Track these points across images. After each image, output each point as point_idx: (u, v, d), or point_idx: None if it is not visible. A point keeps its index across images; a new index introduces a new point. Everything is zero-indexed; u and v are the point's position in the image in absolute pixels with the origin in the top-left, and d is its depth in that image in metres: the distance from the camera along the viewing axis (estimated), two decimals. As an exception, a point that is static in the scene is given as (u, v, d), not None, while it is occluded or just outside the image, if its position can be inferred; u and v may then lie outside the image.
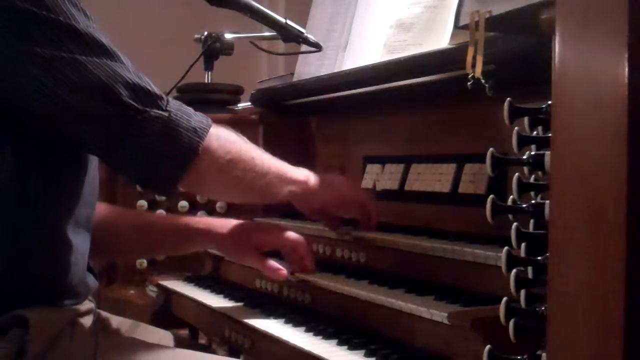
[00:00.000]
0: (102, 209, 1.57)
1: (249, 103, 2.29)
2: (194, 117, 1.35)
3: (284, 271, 1.59)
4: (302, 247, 1.61)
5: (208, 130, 1.35)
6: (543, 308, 0.92)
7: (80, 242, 1.43)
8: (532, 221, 1.01)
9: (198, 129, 1.34)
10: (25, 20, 1.24)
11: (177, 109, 1.33)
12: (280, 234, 1.64)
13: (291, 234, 1.62)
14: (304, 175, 1.55)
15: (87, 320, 1.45)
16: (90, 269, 1.49)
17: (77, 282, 1.42)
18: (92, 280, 1.49)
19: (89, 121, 1.28)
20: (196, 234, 1.68)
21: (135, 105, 1.28)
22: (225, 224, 1.68)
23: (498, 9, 1.15)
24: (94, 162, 1.44)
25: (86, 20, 1.29)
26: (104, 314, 1.63)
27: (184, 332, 2.11)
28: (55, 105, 1.26)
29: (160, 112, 1.30)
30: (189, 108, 1.37)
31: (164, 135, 1.31)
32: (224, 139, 1.39)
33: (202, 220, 1.74)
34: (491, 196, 1.03)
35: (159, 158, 1.32)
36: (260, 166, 1.46)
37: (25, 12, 1.24)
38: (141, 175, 1.36)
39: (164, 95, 1.33)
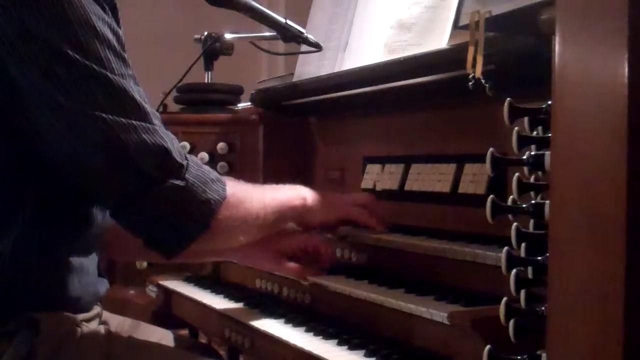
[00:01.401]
0: None
1: (249, 103, 2.29)
2: (210, 186, 1.30)
3: (312, 269, 1.59)
4: (324, 245, 1.61)
5: (222, 203, 1.31)
6: (543, 308, 0.92)
7: (93, 263, 1.44)
8: (532, 221, 1.01)
9: (212, 201, 1.29)
10: (57, 62, 1.18)
11: (195, 177, 1.28)
12: (303, 236, 1.63)
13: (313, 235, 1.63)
14: (300, 198, 1.54)
15: (94, 324, 1.46)
16: (100, 274, 1.50)
17: (88, 298, 1.43)
18: (102, 286, 1.50)
19: (102, 182, 1.25)
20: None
21: (154, 174, 1.24)
22: None
23: (498, 9, 1.15)
24: None
25: (123, 68, 1.23)
26: (106, 313, 1.63)
27: (184, 332, 2.11)
28: (72, 160, 1.23)
29: (177, 182, 1.25)
30: (206, 171, 1.31)
31: (177, 206, 1.26)
32: (234, 205, 1.34)
33: None
34: (491, 196, 1.03)
35: (168, 227, 1.29)
36: (263, 217, 1.43)
37: (59, 54, 1.17)
38: (146, 238, 1.32)
39: (185, 162, 1.28)
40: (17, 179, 1.29)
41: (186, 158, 1.29)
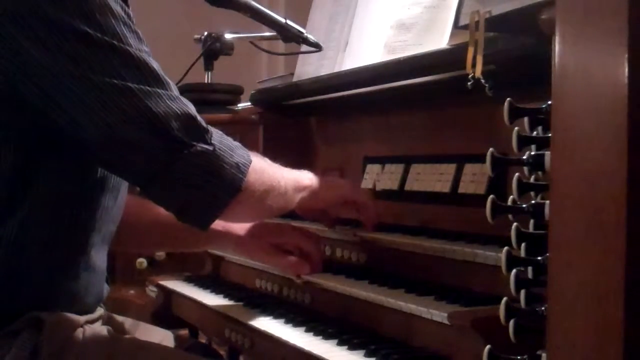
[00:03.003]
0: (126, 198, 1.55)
1: (249, 103, 2.29)
2: (236, 151, 1.33)
3: (307, 266, 1.60)
4: (318, 244, 1.63)
5: (249, 166, 1.33)
6: (543, 308, 0.92)
7: (101, 260, 1.44)
8: (532, 221, 1.01)
9: (241, 165, 1.32)
10: (78, 41, 1.20)
11: (220, 141, 1.31)
12: (299, 234, 1.64)
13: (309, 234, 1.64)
14: (309, 178, 1.56)
15: (97, 325, 1.46)
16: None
17: (93, 300, 1.44)
18: (105, 288, 1.50)
19: (134, 152, 1.25)
20: (214, 234, 1.64)
21: (184, 139, 1.26)
22: (243, 224, 1.68)
23: (498, 9, 1.15)
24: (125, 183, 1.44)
25: (138, 43, 1.26)
26: (107, 314, 1.63)
27: (184, 332, 2.11)
28: (101, 133, 1.23)
29: (205, 146, 1.28)
30: (229, 139, 1.34)
31: (208, 171, 1.28)
32: (259, 170, 1.37)
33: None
34: (491, 196, 1.03)
35: (201, 194, 1.30)
36: (284, 187, 1.46)
37: (78, 33, 1.20)
38: (179, 208, 1.34)
39: (209, 127, 1.31)
40: (26, 165, 1.29)
41: (208, 126, 1.32)
